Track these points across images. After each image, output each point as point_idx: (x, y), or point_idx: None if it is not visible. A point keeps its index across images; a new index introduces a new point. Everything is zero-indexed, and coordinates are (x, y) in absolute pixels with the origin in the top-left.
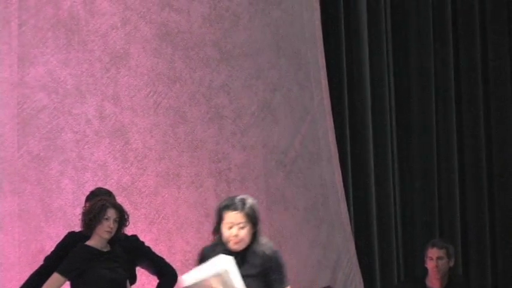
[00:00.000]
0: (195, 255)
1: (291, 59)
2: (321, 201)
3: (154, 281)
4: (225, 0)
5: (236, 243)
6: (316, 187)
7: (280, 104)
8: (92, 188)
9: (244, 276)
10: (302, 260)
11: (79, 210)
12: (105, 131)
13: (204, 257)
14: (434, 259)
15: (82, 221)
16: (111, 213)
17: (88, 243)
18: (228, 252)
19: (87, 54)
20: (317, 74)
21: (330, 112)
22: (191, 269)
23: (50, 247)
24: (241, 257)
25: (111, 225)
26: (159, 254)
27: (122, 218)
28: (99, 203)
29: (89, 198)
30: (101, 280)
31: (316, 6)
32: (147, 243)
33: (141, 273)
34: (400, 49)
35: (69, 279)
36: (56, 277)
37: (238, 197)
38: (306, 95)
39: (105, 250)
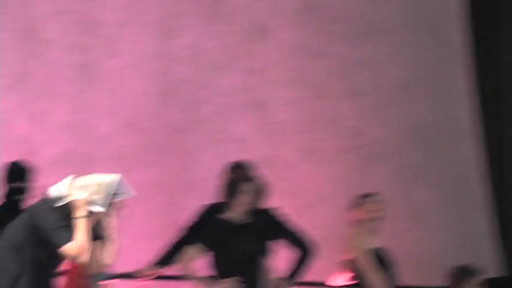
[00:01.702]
0: (336, 229)
1: (433, 36)
2: (461, 179)
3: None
4: None
5: None
6: (456, 165)
7: (421, 81)
8: (232, 161)
9: None
10: (442, 238)
11: (217, 183)
12: (246, 104)
13: None
14: None
15: (221, 193)
16: (249, 186)
17: (226, 215)
18: None
19: (231, 27)
20: (460, 51)
21: (474, 90)
22: (329, 244)
23: (185, 219)
24: None
25: (250, 198)
26: (297, 228)
27: (261, 191)
28: (239, 175)
29: (228, 170)
30: (236, 252)
31: None
32: (286, 217)
33: (279, 246)
34: None
35: (208, 251)
36: (195, 248)
37: None
38: (447, 72)
39: (243, 223)
